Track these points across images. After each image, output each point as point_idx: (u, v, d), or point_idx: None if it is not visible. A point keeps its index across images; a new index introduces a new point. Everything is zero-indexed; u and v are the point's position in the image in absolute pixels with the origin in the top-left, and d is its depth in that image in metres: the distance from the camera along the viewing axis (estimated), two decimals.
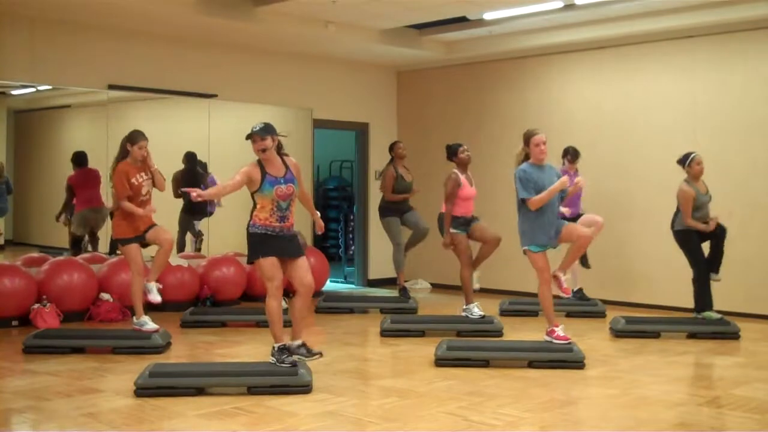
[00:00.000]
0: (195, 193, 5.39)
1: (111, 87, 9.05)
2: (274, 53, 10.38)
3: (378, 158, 11.07)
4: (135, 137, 6.84)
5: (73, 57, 8.78)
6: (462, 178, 7.75)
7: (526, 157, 6.48)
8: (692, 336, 7.46)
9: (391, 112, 11.80)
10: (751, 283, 8.60)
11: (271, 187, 5.51)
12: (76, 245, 9.08)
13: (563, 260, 6.54)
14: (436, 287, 11.18)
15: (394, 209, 8.96)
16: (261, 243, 5.51)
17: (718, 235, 7.55)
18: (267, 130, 5.60)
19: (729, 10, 8.39)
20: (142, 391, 5.24)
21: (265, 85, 10.37)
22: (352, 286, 11.54)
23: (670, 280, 8.90)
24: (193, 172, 9.68)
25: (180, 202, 9.54)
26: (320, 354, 5.66)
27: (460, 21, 9.66)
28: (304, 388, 5.36)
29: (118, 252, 7.28)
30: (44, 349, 6.59)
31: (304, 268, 5.58)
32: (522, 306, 8.82)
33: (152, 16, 8.51)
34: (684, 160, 7.67)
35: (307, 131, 10.82)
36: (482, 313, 7.67)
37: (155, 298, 6.85)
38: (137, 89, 9.25)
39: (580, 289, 8.96)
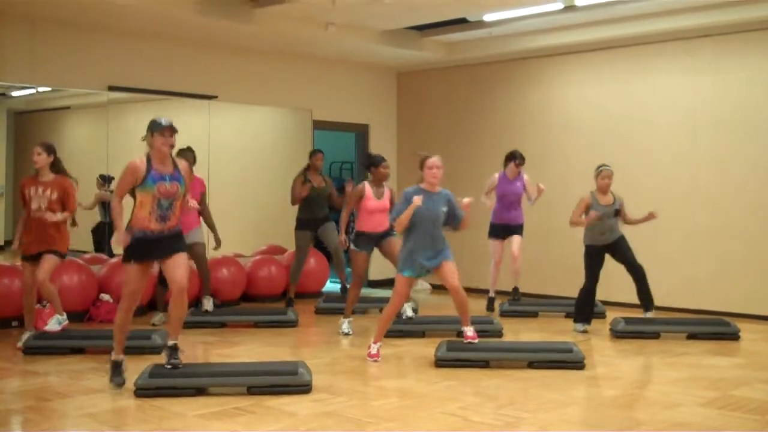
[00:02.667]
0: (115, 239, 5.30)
1: (111, 88, 9.05)
2: (274, 54, 10.38)
3: None
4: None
5: (73, 58, 8.78)
6: (369, 191, 7.50)
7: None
8: (692, 337, 7.46)
9: (391, 114, 11.80)
10: (750, 284, 8.60)
11: (152, 183, 5.30)
12: None
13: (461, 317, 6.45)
14: (437, 288, 11.17)
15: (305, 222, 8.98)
16: (132, 247, 5.34)
17: (636, 269, 7.65)
18: (174, 127, 5.38)
19: (730, 11, 8.39)
20: (142, 391, 5.24)
21: (265, 87, 10.37)
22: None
23: (670, 281, 8.90)
24: None
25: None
26: (177, 364, 5.43)
27: (461, 22, 9.66)
28: (304, 388, 5.36)
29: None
30: (44, 349, 6.59)
31: (174, 266, 5.36)
32: (522, 307, 8.82)
33: (152, 17, 8.51)
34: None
35: (306, 132, 10.83)
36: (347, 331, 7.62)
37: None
38: (137, 90, 9.26)
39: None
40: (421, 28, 10.08)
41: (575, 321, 7.71)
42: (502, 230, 8.82)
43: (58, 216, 6.76)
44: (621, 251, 7.64)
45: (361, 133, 11.56)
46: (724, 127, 8.83)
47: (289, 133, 11.04)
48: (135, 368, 5.69)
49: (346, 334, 7.56)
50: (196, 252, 8.17)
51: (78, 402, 5.19)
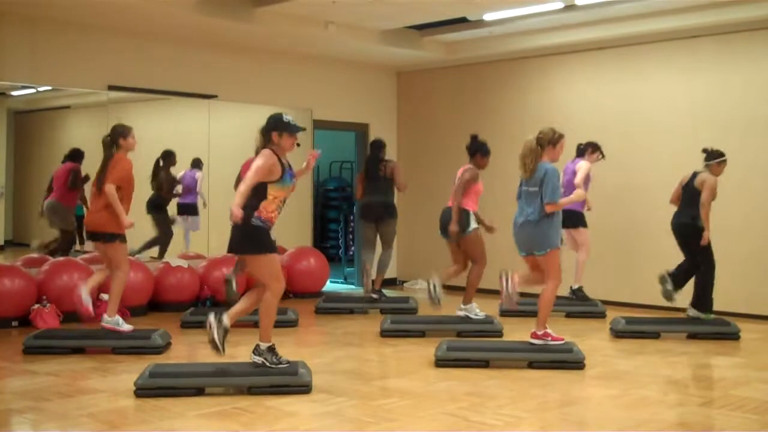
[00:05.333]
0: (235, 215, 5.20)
1: (111, 88, 9.05)
2: (274, 54, 10.38)
3: None
4: (123, 130, 6.86)
5: (73, 57, 8.78)
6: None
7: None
8: (692, 336, 7.46)
9: (391, 113, 11.80)
10: (751, 284, 8.60)
11: (290, 180, 5.47)
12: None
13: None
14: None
15: None
16: (268, 237, 5.40)
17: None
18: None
19: (729, 10, 8.39)
20: (142, 391, 5.24)
21: (265, 86, 10.37)
22: (352, 286, 11.54)
23: None
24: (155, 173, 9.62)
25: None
26: (288, 363, 5.53)
27: (461, 22, 9.66)
28: (304, 388, 5.36)
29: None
30: (44, 349, 6.59)
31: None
32: (522, 306, 8.78)
33: (152, 16, 8.51)
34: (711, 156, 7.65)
35: (306, 132, 10.81)
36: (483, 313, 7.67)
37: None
38: (137, 90, 9.25)
39: (580, 288, 8.96)
40: (421, 28, 10.08)
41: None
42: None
43: None
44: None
45: (361, 132, 11.56)
46: (724, 126, 8.82)
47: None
48: (135, 368, 5.70)
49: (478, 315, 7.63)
50: None
51: (78, 402, 5.19)
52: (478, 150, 7.80)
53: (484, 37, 10.11)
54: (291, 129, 5.46)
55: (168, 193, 9.66)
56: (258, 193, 5.34)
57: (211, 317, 5.36)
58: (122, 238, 6.79)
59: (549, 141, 6.41)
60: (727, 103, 8.84)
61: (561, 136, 6.44)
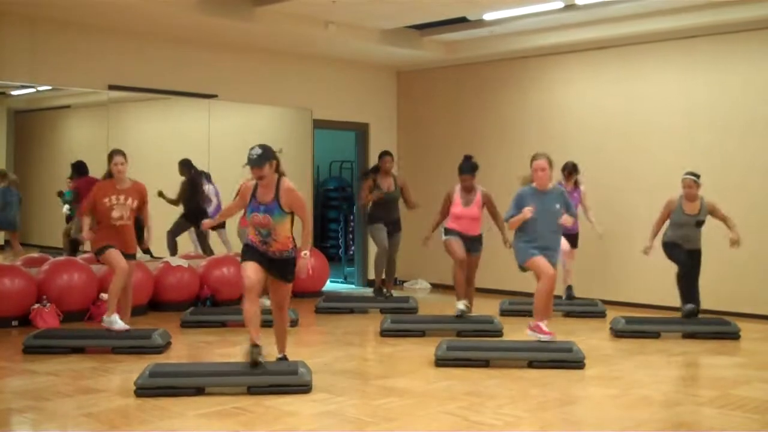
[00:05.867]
0: (206, 223, 6.26)
1: (111, 87, 9.05)
2: (274, 53, 10.38)
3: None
4: (111, 154, 6.91)
5: (73, 57, 8.78)
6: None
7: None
8: (692, 336, 7.46)
9: (391, 113, 11.80)
10: (750, 283, 8.60)
11: (250, 212, 5.57)
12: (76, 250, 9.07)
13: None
14: (436, 287, 11.18)
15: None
16: (245, 251, 5.66)
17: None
18: (264, 157, 5.45)
19: (728, 10, 8.39)
20: (142, 391, 5.24)
21: (266, 86, 10.37)
22: (352, 286, 11.54)
23: (671, 281, 8.88)
24: (194, 184, 9.65)
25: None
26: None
27: (461, 21, 9.66)
28: (304, 388, 5.36)
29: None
30: (44, 349, 6.59)
31: (284, 292, 5.74)
32: (522, 306, 8.81)
33: (152, 16, 8.51)
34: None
35: (307, 131, 10.83)
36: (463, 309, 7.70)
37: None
38: (137, 89, 9.25)
39: (570, 287, 8.97)
40: (421, 28, 10.08)
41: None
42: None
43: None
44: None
45: (361, 132, 11.56)
46: (723, 126, 8.83)
47: (289, 133, 11.02)
48: (135, 368, 5.70)
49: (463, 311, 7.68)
50: None
51: (78, 402, 5.19)
52: (476, 169, 7.90)
53: (484, 37, 10.10)
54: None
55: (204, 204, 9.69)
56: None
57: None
58: (104, 249, 6.81)
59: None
60: (726, 103, 8.84)
61: (532, 159, 6.65)
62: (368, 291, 10.95)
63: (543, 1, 8.58)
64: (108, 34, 8.96)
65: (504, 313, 8.65)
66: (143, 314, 8.49)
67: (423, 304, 9.16)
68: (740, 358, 6.77)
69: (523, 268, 6.63)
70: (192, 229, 9.77)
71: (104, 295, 8.28)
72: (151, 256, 8.69)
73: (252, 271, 5.48)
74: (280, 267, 5.61)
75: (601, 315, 8.62)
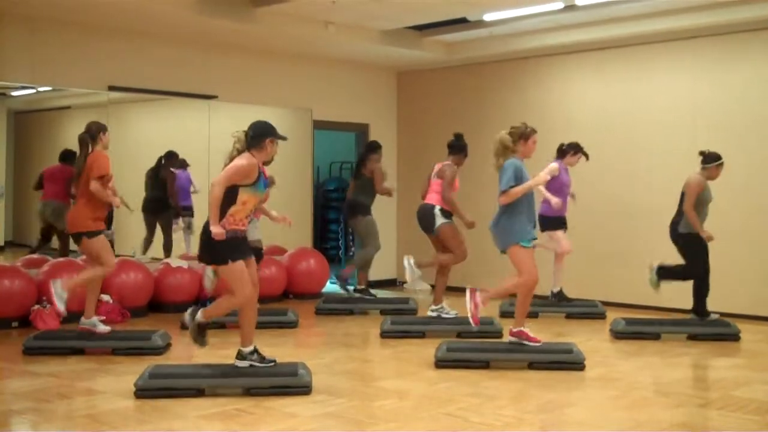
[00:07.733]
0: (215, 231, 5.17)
1: (111, 88, 9.05)
2: (274, 54, 10.38)
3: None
4: (102, 126, 6.75)
5: (73, 58, 8.77)
6: None
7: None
8: (692, 337, 7.45)
9: (391, 113, 11.80)
10: (751, 285, 8.60)
11: (263, 187, 5.45)
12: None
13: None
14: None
15: None
16: (230, 245, 5.24)
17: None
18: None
19: (730, 11, 8.38)
20: (142, 392, 5.24)
21: (265, 86, 10.37)
22: (352, 287, 11.50)
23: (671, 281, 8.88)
24: (154, 175, 9.54)
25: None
26: (274, 361, 5.56)
27: (461, 22, 9.65)
28: (304, 389, 5.35)
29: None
30: (44, 350, 6.58)
31: (254, 267, 5.54)
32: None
33: (152, 16, 8.51)
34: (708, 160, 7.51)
35: (306, 132, 10.82)
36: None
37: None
38: (137, 90, 9.25)
39: (561, 290, 8.94)
40: (421, 28, 10.08)
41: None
42: (563, 223, 8.70)
43: None
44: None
45: (361, 132, 11.56)
46: (724, 126, 8.82)
47: (289, 133, 10.93)
48: (135, 369, 5.69)
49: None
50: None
51: (78, 402, 5.19)
52: (462, 150, 7.93)
53: (484, 37, 10.10)
54: (280, 137, 5.48)
55: (172, 193, 9.63)
56: (228, 199, 5.20)
57: (187, 316, 5.55)
58: (98, 233, 6.67)
59: (520, 136, 6.19)
60: (729, 103, 8.83)
61: (533, 131, 6.22)
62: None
63: (543, 2, 8.58)
64: (108, 35, 8.96)
65: (504, 314, 8.63)
66: (143, 315, 8.49)
67: (423, 305, 9.15)
68: (740, 360, 6.77)
69: (504, 252, 6.19)
70: (179, 221, 9.78)
71: (104, 296, 8.30)
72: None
73: (249, 281, 5.39)
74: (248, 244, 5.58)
75: (601, 316, 8.61)
